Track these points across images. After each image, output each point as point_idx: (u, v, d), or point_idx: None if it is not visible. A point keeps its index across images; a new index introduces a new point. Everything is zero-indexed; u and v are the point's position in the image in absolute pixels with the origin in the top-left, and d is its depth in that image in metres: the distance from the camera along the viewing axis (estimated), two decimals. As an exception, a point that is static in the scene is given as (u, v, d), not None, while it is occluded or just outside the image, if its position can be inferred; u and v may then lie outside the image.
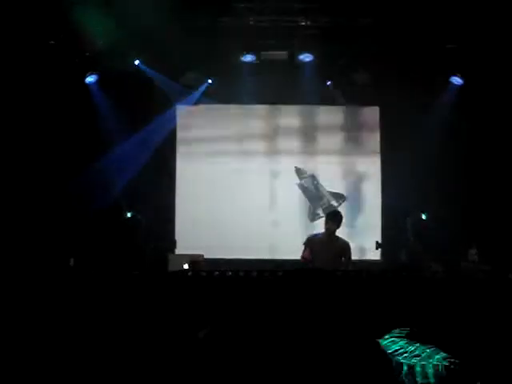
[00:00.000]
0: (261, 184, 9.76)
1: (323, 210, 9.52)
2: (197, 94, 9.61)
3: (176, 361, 5.27)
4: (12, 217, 8.54)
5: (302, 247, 7.15)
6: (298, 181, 9.75)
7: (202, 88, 9.56)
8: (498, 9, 7.62)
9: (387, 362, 2.66)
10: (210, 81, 9.51)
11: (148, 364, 5.16)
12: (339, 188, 9.77)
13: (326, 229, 7.13)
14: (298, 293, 5.66)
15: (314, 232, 7.79)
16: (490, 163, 9.07)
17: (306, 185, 9.75)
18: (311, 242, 7.12)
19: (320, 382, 2.67)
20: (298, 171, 9.74)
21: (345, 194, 9.72)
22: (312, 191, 9.74)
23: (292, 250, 7.63)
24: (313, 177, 9.75)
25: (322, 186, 9.74)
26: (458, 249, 8.38)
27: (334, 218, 7.16)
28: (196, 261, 7.36)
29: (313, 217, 9.66)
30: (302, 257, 6.99)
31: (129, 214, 9.24)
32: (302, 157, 9.80)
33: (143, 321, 5.59)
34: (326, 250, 6.96)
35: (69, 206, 9.00)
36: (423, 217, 9.21)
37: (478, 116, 9.04)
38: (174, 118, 9.81)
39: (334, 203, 9.65)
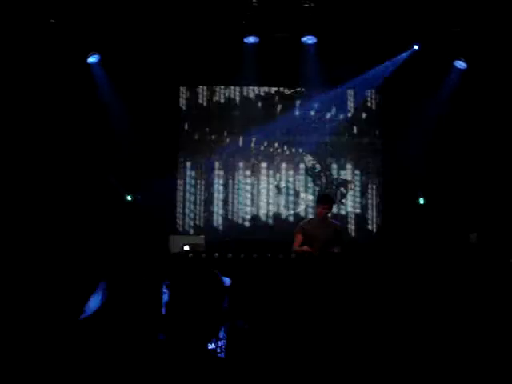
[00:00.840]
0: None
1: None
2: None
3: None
4: (10, 208, 8.52)
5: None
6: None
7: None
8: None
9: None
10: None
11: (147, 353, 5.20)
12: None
13: (318, 212, 6.95)
14: (297, 277, 5.70)
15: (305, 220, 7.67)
16: (492, 147, 9.06)
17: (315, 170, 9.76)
18: (303, 229, 6.93)
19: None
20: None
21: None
22: (321, 177, 9.75)
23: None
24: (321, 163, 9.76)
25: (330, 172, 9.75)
26: (459, 233, 8.42)
27: (324, 201, 6.99)
28: (197, 243, 7.40)
29: None
30: (295, 250, 6.76)
31: (129, 197, 9.29)
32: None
33: (141, 302, 5.62)
34: (320, 233, 6.82)
35: (69, 192, 8.99)
36: (421, 201, 9.25)
37: (480, 101, 9.01)
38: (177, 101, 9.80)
39: (343, 190, 9.66)
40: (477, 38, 8.51)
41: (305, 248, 6.62)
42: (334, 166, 9.79)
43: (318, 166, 9.75)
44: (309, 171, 9.76)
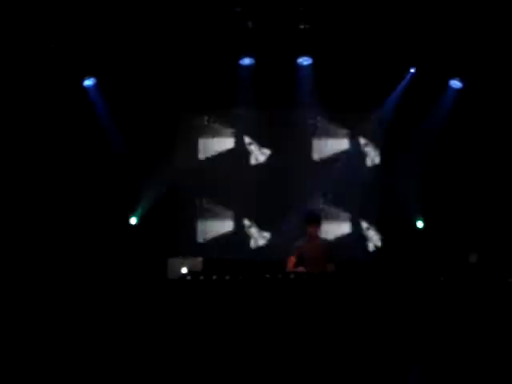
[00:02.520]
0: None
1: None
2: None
3: (175, 364, 5.25)
4: (14, 218, 8.55)
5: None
6: None
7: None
8: (497, 12, 7.62)
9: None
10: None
11: (146, 367, 5.14)
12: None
13: (309, 233, 7.07)
14: (296, 296, 5.65)
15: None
16: (491, 167, 9.06)
17: None
18: (300, 251, 7.06)
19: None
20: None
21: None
22: None
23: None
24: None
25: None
26: (459, 252, 8.39)
27: (312, 221, 7.10)
28: (195, 265, 7.33)
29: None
30: (288, 271, 6.83)
31: (134, 220, 9.26)
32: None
33: (142, 326, 5.57)
34: (314, 253, 6.94)
35: (70, 208, 8.99)
36: (419, 224, 9.19)
37: (477, 120, 9.03)
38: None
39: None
40: (472, 58, 8.55)
41: (300, 269, 6.71)
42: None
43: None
44: None
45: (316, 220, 7.14)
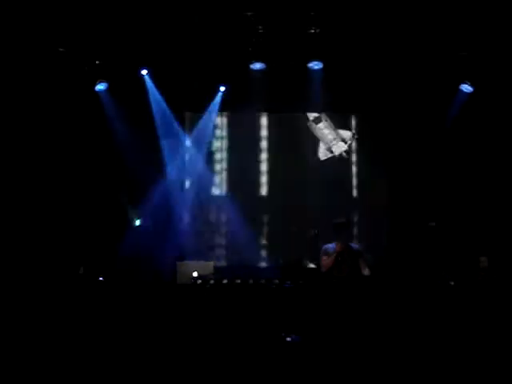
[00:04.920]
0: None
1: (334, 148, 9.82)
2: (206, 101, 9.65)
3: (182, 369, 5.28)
4: (22, 224, 8.59)
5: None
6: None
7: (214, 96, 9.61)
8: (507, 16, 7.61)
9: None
10: (222, 88, 9.53)
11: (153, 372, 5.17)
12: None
13: (338, 240, 6.88)
14: (306, 301, 5.66)
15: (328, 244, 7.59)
16: (502, 171, 9.03)
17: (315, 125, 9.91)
18: (326, 253, 6.89)
19: None
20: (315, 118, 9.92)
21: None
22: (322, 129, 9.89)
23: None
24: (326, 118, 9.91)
25: (333, 125, 9.90)
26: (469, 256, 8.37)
27: (341, 228, 6.93)
28: (206, 269, 7.38)
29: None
30: (323, 265, 6.78)
31: (137, 222, 9.30)
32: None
33: (150, 329, 5.60)
34: (343, 260, 6.78)
35: (79, 213, 9.04)
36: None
37: (488, 124, 9.01)
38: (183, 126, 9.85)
39: (345, 141, 9.83)
40: (483, 62, 8.53)
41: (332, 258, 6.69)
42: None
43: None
44: None
45: (344, 227, 7.03)
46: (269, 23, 8.20)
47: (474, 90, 8.99)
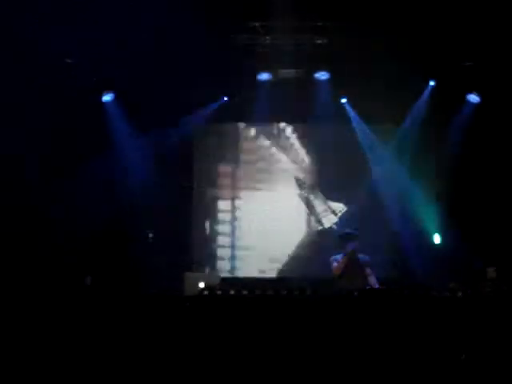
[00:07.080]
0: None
1: (324, 220, 9.60)
2: (211, 111, 9.64)
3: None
4: (28, 234, 8.59)
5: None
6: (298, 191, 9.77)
7: (216, 105, 9.60)
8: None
9: None
10: (225, 98, 9.53)
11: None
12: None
13: (346, 251, 7.02)
14: (314, 314, 5.63)
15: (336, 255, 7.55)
16: (509, 180, 9.00)
17: (305, 195, 9.72)
18: (336, 260, 7.05)
19: None
20: (298, 181, 9.74)
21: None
22: (312, 201, 9.71)
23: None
24: (313, 186, 9.74)
25: (321, 195, 9.70)
26: (477, 267, 8.32)
27: (348, 239, 7.07)
28: (212, 280, 7.34)
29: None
30: (336, 268, 6.94)
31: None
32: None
33: (156, 342, 5.57)
34: (351, 271, 6.90)
35: (85, 223, 9.02)
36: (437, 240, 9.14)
37: (494, 134, 8.99)
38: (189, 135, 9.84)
39: (335, 213, 9.61)
40: (490, 72, 8.53)
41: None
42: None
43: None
44: None
45: (351, 238, 7.10)
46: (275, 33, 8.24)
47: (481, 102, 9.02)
